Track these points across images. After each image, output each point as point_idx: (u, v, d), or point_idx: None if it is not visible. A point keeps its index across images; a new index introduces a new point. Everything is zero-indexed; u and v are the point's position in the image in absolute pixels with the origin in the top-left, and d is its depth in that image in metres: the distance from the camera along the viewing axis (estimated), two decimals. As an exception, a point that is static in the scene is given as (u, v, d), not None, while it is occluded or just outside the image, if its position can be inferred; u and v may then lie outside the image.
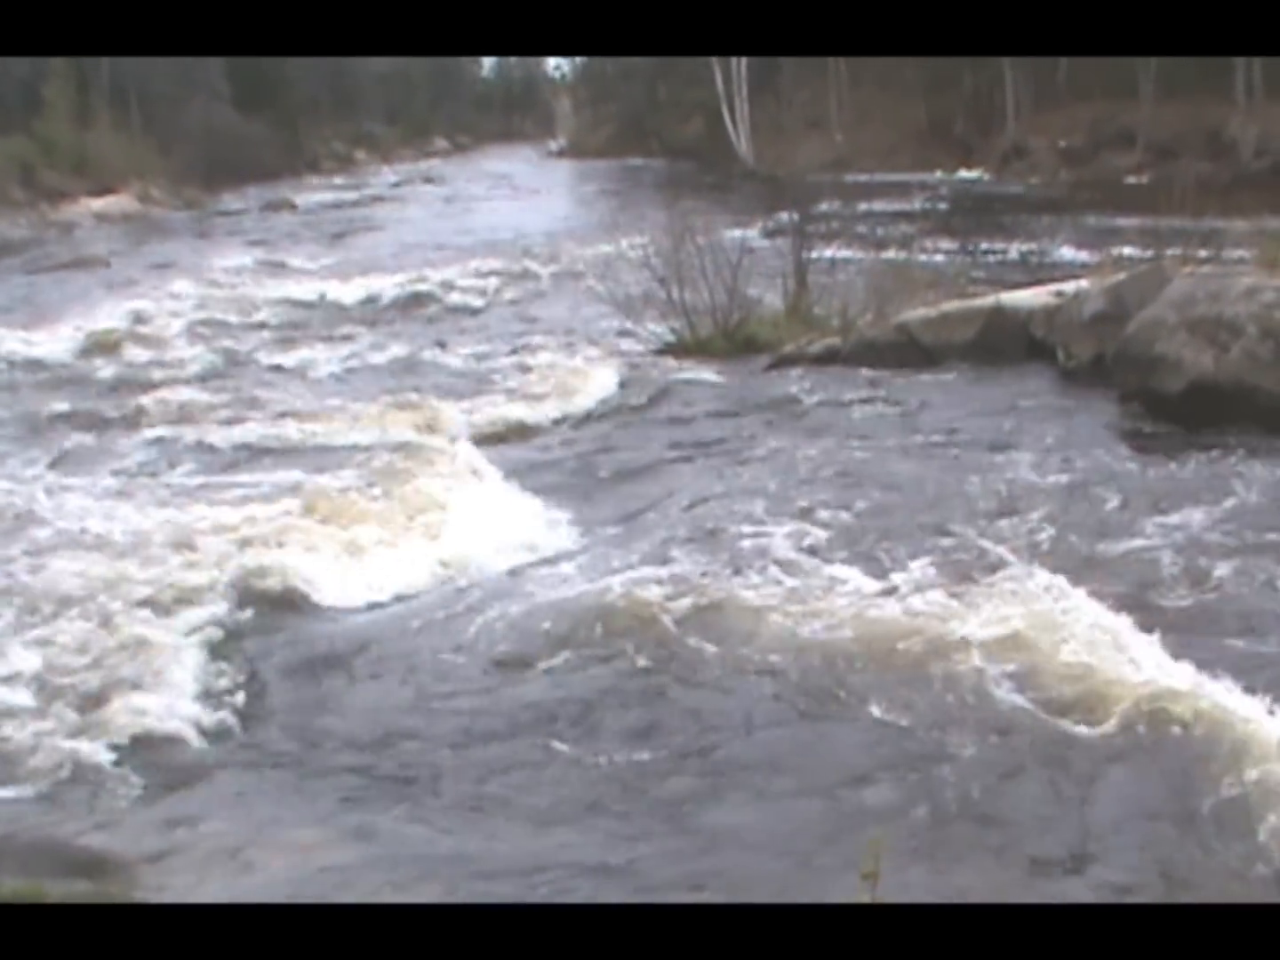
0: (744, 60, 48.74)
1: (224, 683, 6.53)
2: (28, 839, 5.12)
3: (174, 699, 6.28)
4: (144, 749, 5.87)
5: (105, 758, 5.76)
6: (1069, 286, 12.52)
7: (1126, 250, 15.61)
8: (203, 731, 6.07)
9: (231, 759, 5.85)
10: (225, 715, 6.21)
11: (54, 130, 42.19)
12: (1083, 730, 5.30)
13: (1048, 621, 6.09)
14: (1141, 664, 5.65)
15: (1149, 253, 13.19)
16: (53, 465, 10.74)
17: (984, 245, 24.04)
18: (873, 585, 6.78)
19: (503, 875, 4.69)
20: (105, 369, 15.37)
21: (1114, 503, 7.97)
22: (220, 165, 47.02)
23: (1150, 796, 4.92)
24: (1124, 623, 6.07)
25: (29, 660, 6.77)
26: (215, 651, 6.89)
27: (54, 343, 17.01)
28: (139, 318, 19.01)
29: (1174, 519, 7.58)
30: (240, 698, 6.39)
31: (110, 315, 19.14)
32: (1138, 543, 7.27)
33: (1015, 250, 23.39)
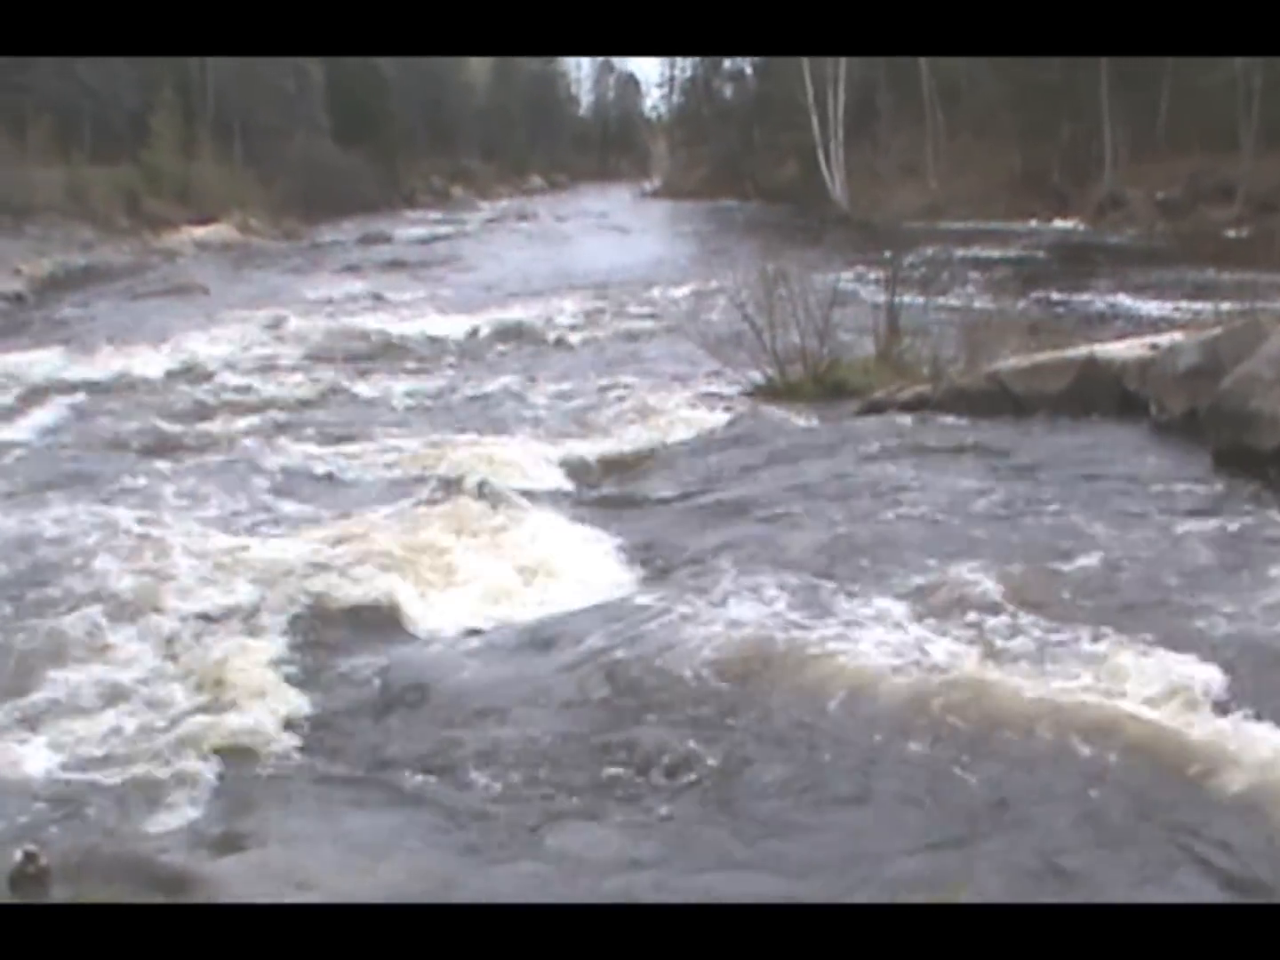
0: (840, 105, 48.87)
1: (304, 704, 6.63)
2: (110, 851, 5.21)
3: (256, 719, 6.40)
4: (226, 766, 5.97)
5: (189, 773, 5.86)
6: (1163, 339, 12.37)
7: (1224, 304, 15.41)
8: (283, 752, 6.16)
9: (311, 779, 5.93)
10: (305, 736, 6.31)
11: (159, 160, 43.25)
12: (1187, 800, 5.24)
13: (1144, 687, 6.05)
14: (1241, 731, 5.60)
15: (1246, 306, 13.02)
16: (142, 487, 10.91)
17: (1078, 296, 23.85)
18: (964, 646, 6.71)
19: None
20: (199, 394, 15.67)
21: (1205, 561, 7.86)
22: (319, 197, 47.89)
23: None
24: (1217, 686, 6.02)
25: (115, 675, 6.93)
26: (297, 672, 7.02)
27: (149, 367, 17.42)
28: (234, 344, 19.39)
29: (1267, 579, 7.47)
30: (320, 720, 6.49)
31: (206, 341, 19.54)
32: (1228, 604, 7.17)
33: (1109, 301, 23.18)
